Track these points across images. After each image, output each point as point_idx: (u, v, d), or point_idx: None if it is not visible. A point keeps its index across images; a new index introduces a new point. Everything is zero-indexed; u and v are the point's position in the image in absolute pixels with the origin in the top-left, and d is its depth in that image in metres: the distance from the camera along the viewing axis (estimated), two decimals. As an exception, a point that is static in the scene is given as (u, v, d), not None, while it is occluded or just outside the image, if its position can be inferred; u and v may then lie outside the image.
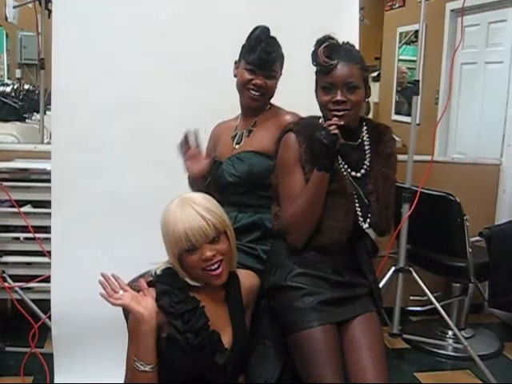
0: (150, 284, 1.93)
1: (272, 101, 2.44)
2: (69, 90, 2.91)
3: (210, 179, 2.39)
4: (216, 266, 1.88)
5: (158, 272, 1.96)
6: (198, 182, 2.39)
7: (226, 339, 1.95)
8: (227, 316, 1.99)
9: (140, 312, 1.83)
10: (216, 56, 2.81)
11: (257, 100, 2.37)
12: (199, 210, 1.85)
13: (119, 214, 2.94)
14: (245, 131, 2.42)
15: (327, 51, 2.07)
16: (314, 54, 2.11)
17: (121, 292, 1.87)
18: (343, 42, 2.15)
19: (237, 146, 2.40)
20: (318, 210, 2.06)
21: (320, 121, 2.16)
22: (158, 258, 1.99)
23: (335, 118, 2.03)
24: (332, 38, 2.11)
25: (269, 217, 2.27)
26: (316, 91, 2.15)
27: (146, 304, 1.85)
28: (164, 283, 1.92)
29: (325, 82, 2.09)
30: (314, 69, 2.14)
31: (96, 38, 2.92)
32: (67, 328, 2.95)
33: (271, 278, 2.14)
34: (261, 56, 2.30)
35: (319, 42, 2.11)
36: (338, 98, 2.06)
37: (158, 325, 1.87)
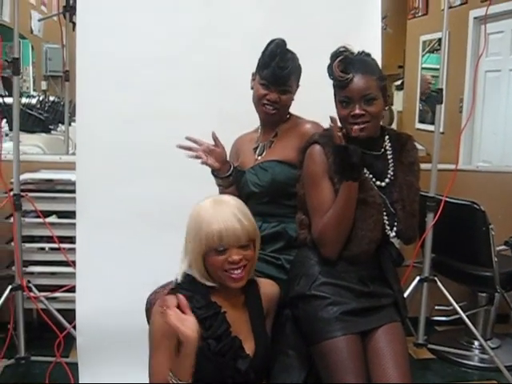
0: (171, 292, 1.92)
1: (293, 110, 2.44)
2: (93, 101, 2.94)
3: (232, 169, 2.38)
4: (239, 270, 1.88)
5: (179, 279, 1.96)
6: (221, 172, 2.37)
7: (248, 345, 1.94)
8: (248, 322, 1.99)
9: (186, 334, 1.77)
10: (236, 65, 2.82)
11: (272, 115, 2.36)
12: (236, 213, 1.86)
13: (144, 224, 2.94)
14: (266, 142, 2.42)
15: (342, 65, 2.06)
16: (330, 69, 2.10)
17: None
18: (358, 52, 2.13)
19: (259, 158, 2.40)
20: (349, 220, 2.06)
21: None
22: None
23: (355, 127, 2.04)
24: (346, 50, 2.10)
25: (293, 226, 2.27)
26: (335, 104, 2.14)
27: (189, 324, 1.79)
28: (186, 289, 1.91)
29: (342, 96, 2.08)
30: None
31: (119, 49, 2.94)
32: (92, 337, 2.96)
33: (295, 286, 2.13)
34: (274, 72, 2.29)
35: (334, 56, 2.10)
36: (356, 111, 2.05)
37: None
